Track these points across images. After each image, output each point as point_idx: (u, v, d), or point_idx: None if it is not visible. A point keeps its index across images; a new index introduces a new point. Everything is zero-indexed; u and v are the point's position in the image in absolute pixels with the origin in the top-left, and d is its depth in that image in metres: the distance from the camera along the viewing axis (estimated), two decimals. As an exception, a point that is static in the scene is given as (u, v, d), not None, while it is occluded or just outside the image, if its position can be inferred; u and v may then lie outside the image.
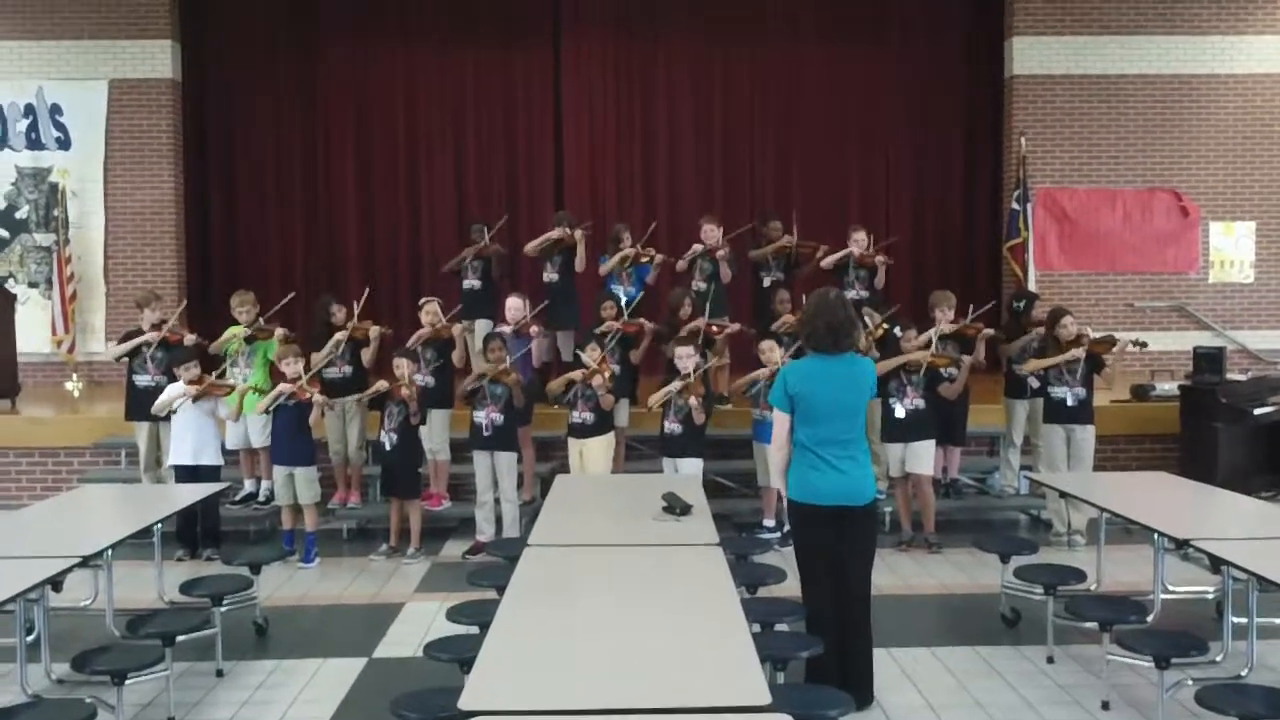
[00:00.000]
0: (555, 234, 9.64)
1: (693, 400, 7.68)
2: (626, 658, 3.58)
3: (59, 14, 12.16)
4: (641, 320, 8.90)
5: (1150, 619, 5.62)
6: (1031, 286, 11.36)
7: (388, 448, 8.03)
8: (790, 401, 5.08)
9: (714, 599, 4.16)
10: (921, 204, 13.00)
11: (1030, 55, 12.23)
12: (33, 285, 12.28)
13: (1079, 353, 8.03)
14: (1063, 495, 7.48)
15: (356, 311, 8.71)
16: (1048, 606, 5.85)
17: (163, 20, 12.22)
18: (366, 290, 8.93)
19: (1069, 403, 8.12)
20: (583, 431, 7.97)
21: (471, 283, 9.81)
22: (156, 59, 12.23)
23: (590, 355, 7.99)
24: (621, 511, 5.81)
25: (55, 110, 12.26)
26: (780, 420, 5.18)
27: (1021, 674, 5.70)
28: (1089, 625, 5.37)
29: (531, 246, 9.81)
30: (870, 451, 5.33)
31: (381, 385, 8.00)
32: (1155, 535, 5.71)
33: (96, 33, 12.18)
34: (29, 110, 12.26)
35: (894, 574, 7.54)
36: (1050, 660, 5.84)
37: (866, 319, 8.63)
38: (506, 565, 5.37)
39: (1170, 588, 6.34)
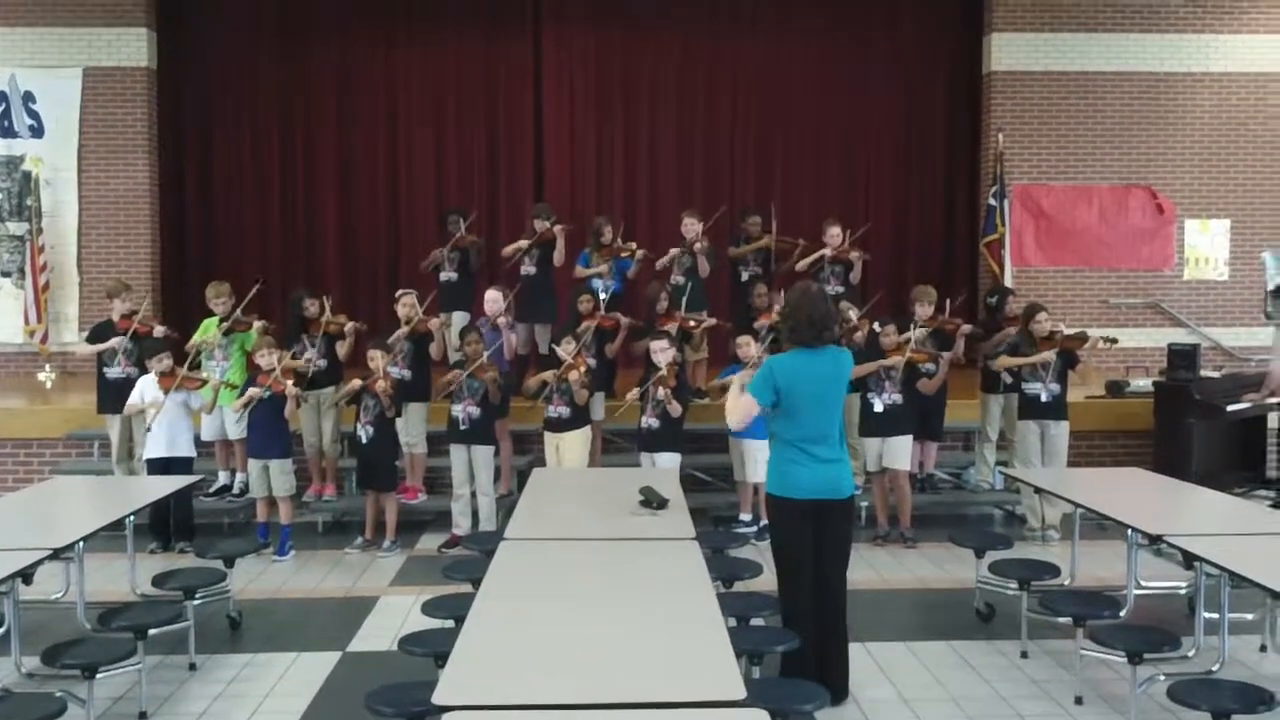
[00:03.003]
0: (525, 242, 9.58)
1: (662, 392, 7.67)
2: (602, 652, 3.58)
3: (33, 1, 12.02)
4: (617, 315, 8.89)
5: (1123, 614, 5.65)
6: (1008, 282, 11.40)
7: (364, 440, 8.00)
8: (775, 396, 5.05)
9: (690, 593, 4.16)
10: (901, 199, 13.04)
11: (1008, 51, 12.27)
12: (5, 275, 12.15)
13: (1049, 355, 8.08)
14: (1037, 491, 7.50)
15: (328, 305, 8.64)
16: (1022, 601, 5.88)
17: (139, 8, 12.10)
18: (328, 298, 8.80)
19: (1043, 399, 8.16)
20: (559, 426, 7.96)
21: (449, 275, 9.77)
22: (132, 47, 12.11)
23: (566, 350, 7.97)
24: (598, 505, 5.81)
25: (29, 98, 12.12)
26: (750, 407, 5.15)
27: (996, 668, 5.73)
28: (1063, 620, 5.40)
29: (507, 251, 9.75)
30: (848, 446, 5.33)
31: (355, 384, 7.97)
32: (1129, 531, 5.74)
33: (71, 20, 12.05)
34: (1, 98, 12.13)
35: (870, 568, 7.56)
36: (1024, 655, 5.87)
37: (850, 315, 8.64)
38: (482, 559, 5.37)
39: (1143, 583, 6.38)
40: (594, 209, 12.06)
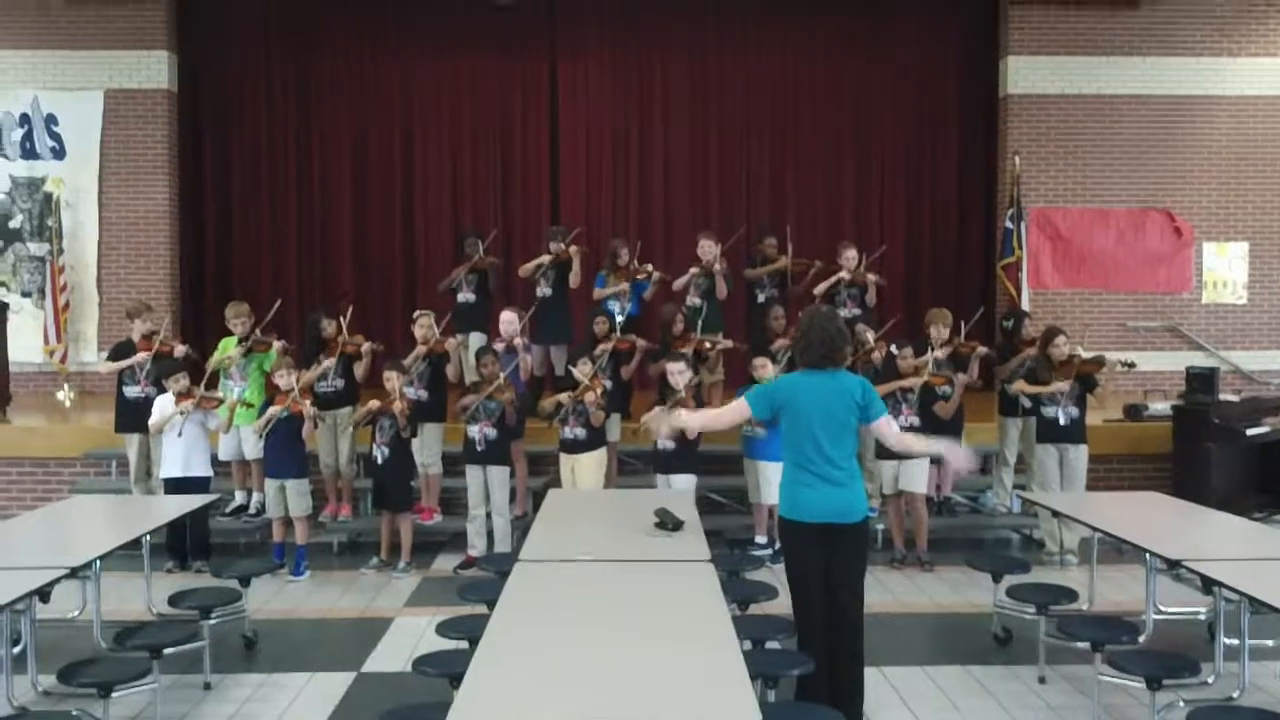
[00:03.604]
0: (547, 258, 9.62)
1: (683, 414, 7.64)
2: (617, 674, 3.56)
3: (56, 24, 12.16)
4: (633, 337, 8.90)
5: (1142, 639, 5.62)
6: (1025, 305, 11.38)
7: (380, 461, 8.01)
8: (772, 411, 5.11)
9: (705, 616, 4.14)
10: (916, 221, 13.04)
11: (1024, 75, 12.28)
12: (25, 295, 12.24)
13: (1063, 386, 8.05)
14: (1055, 514, 7.46)
15: (345, 325, 8.67)
16: (1039, 626, 5.84)
17: (159, 31, 12.23)
18: (345, 319, 8.81)
19: (1061, 422, 8.12)
20: (575, 447, 7.96)
21: (466, 296, 9.79)
22: (152, 70, 12.23)
23: (582, 371, 7.98)
24: (613, 527, 5.79)
25: (50, 120, 12.25)
26: (740, 411, 5.25)
27: (1013, 694, 5.68)
28: (1081, 645, 5.33)
29: (526, 269, 9.79)
30: (863, 469, 5.31)
31: (373, 405, 7.99)
32: (1147, 555, 5.70)
33: (93, 43, 12.18)
34: (24, 119, 12.25)
35: (886, 592, 7.52)
36: (1042, 680, 5.82)
37: (867, 337, 8.63)
38: (497, 580, 5.35)
39: (1162, 608, 6.34)
40: (609, 230, 12.09)
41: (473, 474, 8.06)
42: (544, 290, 9.66)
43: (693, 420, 5.85)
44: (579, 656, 3.73)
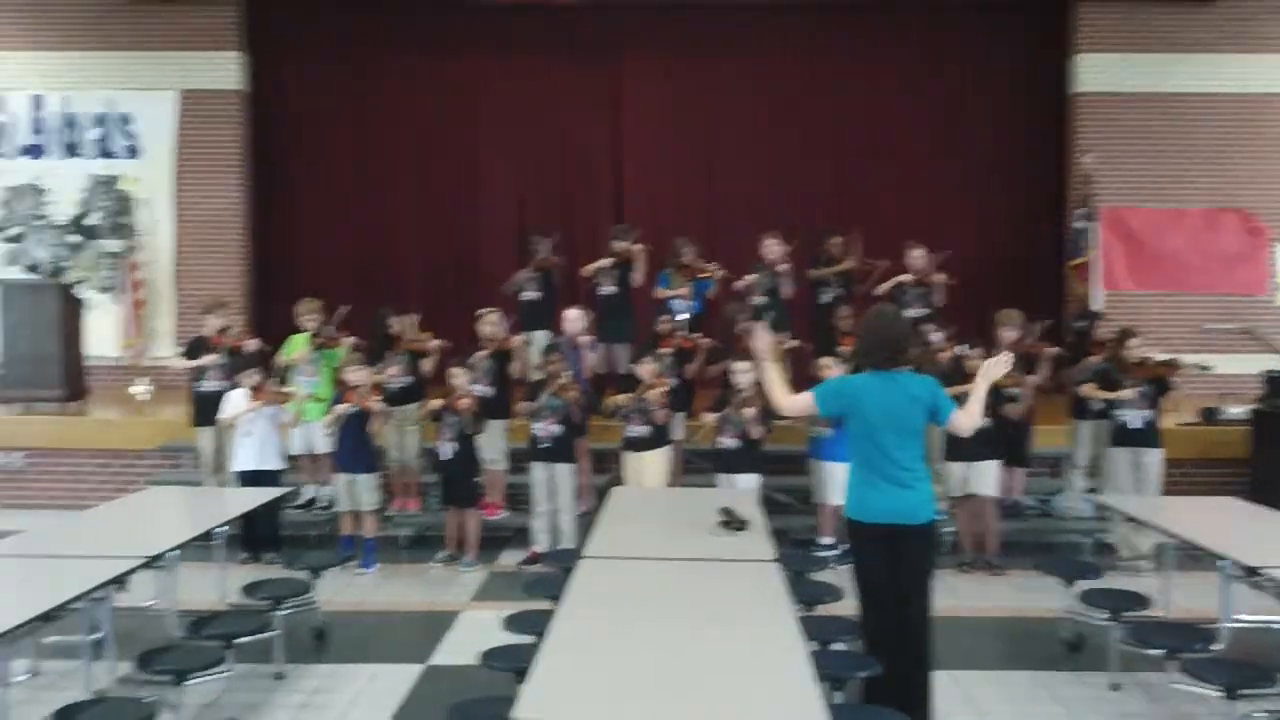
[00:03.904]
0: (607, 262, 9.62)
1: (748, 413, 7.64)
2: (682, 672, 3.56)
3: (131, 26, 12.44)
4: (697, 335, 8.88)
5: (1217, 648, 5.49)
6: (1096, 306, 11.18)
7: (446, 457, 8.08)
8: (837, 409, 5.12)
9: (770, 616, 4.14)
10: (984, 221, 12.85)
11: (1095, 73, 12.09)
12: (103, 291, 12.53)
13: (1129, 394, 7.90)
14: (1129, 519, 7.34)
15: (412, 324, 8.74)
16: (1112, 632, 5.74)
17: (231, 32, 12.45)
18: (413, 317, 8.90)
19: (1135, 425, 7.98)
20: (639, 445, 7.97)
21: (531, 295, 9.84)
22: (225, 70, 12.46)
23: (646, 370, 7.98)
24: (677, 525, 5.79)
25: (126, 120, 12.53)
26: (805, 403, 5.18)
27: (1084, 701, 5.60)
28: (1154, 652, 5.27)
29: (587, 270, 9.81)
30: (932, 471, 5.26)
31: (434, 404, 8.06)
32: (1223, 562, 5.58)
33: (168, 44, 12.44)
34: (100, 119, 12.55)
35: (955, 596, 7.44)
36: (1114, 688, 5.73)
37: (934, 337, 8.55)
38: (562, 576, 5.37)
39: (1238, 616, 6.19)
40: (673, 230, 12.05)
41: (537, 471, 8.10)
42: (608, 289, 9.68)
43: (768, 378, 5.55)
44: (644, 654, 3.73)
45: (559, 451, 8.02)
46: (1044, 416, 8.93)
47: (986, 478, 7.96)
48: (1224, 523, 6.31)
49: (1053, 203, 12.76)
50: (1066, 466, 9.12)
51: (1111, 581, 6.79)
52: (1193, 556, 6.88)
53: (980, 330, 8.77)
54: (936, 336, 8.62)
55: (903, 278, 9.57)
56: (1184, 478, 9.28)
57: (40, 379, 10.37)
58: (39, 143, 12.57)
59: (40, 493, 10.00)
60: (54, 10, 12.45)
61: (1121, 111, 12.09)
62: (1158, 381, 7.97)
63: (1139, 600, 5.83)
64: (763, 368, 5.45)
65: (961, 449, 7.93)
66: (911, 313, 9.06)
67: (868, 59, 12.85)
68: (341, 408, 7.99)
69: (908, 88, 12.84)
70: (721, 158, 13.00)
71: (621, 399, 8.04)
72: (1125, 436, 8.04)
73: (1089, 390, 8.25)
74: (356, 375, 8.05)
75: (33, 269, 12.50)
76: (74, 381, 10.58)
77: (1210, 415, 9.70)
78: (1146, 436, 8.01)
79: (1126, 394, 7.93)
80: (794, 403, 5.30)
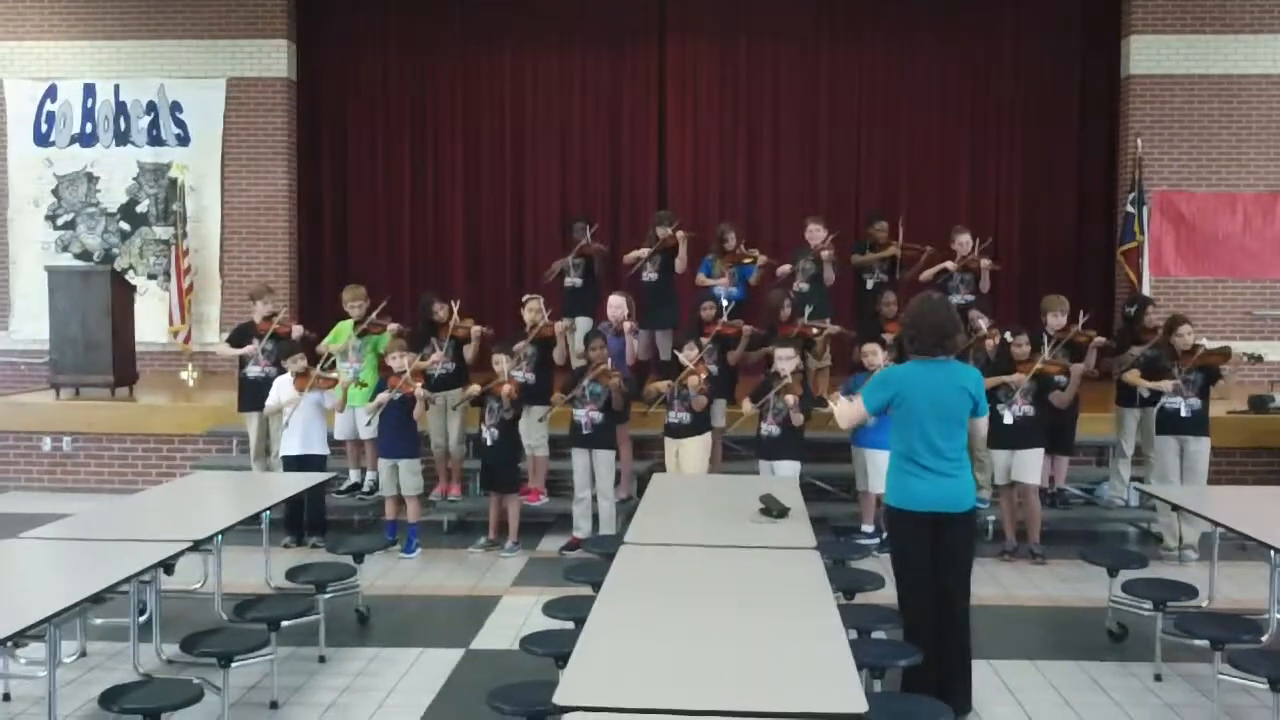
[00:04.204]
0: (646, 251, 9.59)
1: (789, 399, 7.61)
2: (721, 659, 3.56)
3: (180, 14, 12.56)
4: (740, 322, 8.84)
5: (1265, 639, 5.41)
6: (1146, 292, 11.03)
7: (488, 443, 8.11)
8: (885, 404, 5.06)
9: (811, 603, 4.13)
10: (1031, 206, 12.72)
11: (1148, 54, 11.87)
12: (151, 277, 12.71)
13: (1167, 385, 7.78)
14: (1175, 508, 7.22)
15: (456, 309, 8.79)
16: (1156, 622, 5.68)
17: (279, 20, 12.54)
18: (456, 303, 8.93)
19: (1182, 414, 7.85)
20: (679, 431, 7.96)
21: (573, 281, 9.85)
22: (273, 58, 12.56)
23: (688, 355, 7.97)
24: (718, 512, 5.78)
25: (175, 107, 12.67)
26: (857, 410, 5.22)
27: (1128, 691, 5.54)
28: (1199, 643, 5.19)
29: (629, 258, 9.79)
30: (975, 459, 5.22)
31: (473, 389, 8.10)
32: (1272, 552, 5.50)
33: (216, 32, 12.55)
34: (151, 107, 12.70)
35: (996, 584, 7.39)
36: (1158, 678, 5.67)
37: (981, 324, 8.46)
38: (602, 562, 5.40)
39: (1287, 608, 6.10)
40: (717, 216, 12.04)
41: (578, 457, 8.12)
42: (650, 275, 9.66)
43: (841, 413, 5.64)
44: (684, 640, 3.74)
45: (599, 438, 8.03)
46: (1090, 404, 8.83)
47: (1030, 465, 7.87)
48: (1273, 512, 6.18)
49: (1104, 187, 12.57)
50: (1112, 455, 9.00)
51: (1156, 571, 6.69)
52: (1240, 546, 6.83)
53: (1027, 317, 8.69)
54: (981, 323, 8.53)
55: (946, 264, 9.48)
56: (1232, 466, 9.17)
57: (90, 364, 10.53)
58: (91, 131, 12.73)
59: (89, 477, 10.18)
60: (106, 0, 12.59)
61: (1174, 94, 11.86)
62: (1207, 370, 7.84)
63: (1185, 590, 5.75)
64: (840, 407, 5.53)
65: (1006, 436, 7.88)
66: (957, 299, 9.00)
67: (915, 43, 12.70)
68: (383, 395, 8.04)
69: (957, 71, 12.70)
70: (766, 143, 12.93)
71: (661, 385, 8.03)
72: (1172, 424, 7.91)
73: (1131, 377, 8.13)
74: (399, 361, 8.10)
75: (83, 256, 12.68)
76: (123, 367, 10.73)
77: (1259, 403, 9.54)
78: (1194, 424, 7.87)
79: (1165, 385, 7.80)
80: (849, 413, 5.38)
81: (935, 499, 4.94)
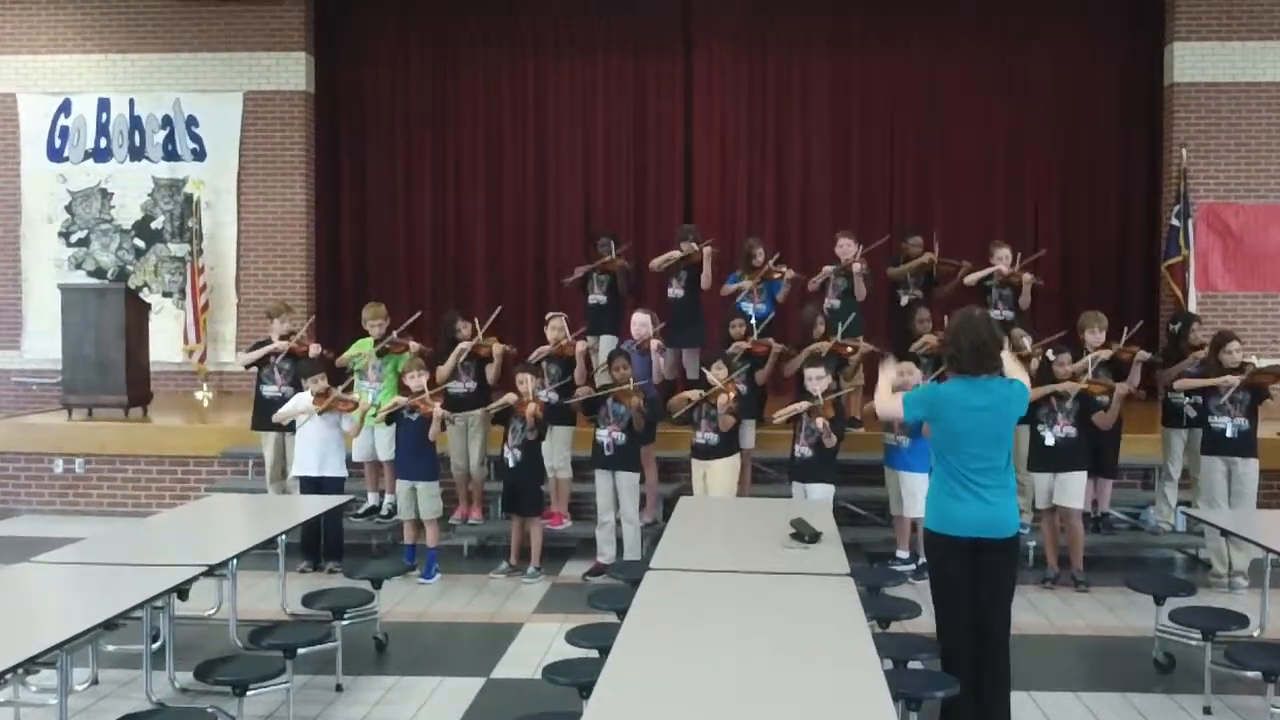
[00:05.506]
0: (678, 253, 9.43)
1: (820, 422, 7.39)
2: (751, 690, 3.46)
3: (196, 27, 12.50)
4: (769, 340, 8.64)
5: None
6: (1192, 308, 10.76)
7: (511, 464, 7.95)
8: (924, 416, 5.03)
9: (844, 632, 4.02)
10: (1072, 220, 12.44)
11: (1192, 62, 11.61)
12: (166, 295, 12.59)
13: (1232, 380, 7.51)
14: (1223, 533, 7.02)
15: (480, 329, 8.64)
16: (1205, 653, 5.52)
17: (297, 33, 12.47)
18: (498, 309, 8.83)
19: (1229, 434, 7.59)
20: (706, 453, 7.75)
21: (597, 298, 9.68)
22: (290, 72, 12.47)
23: (716, 374, 7.76)
24: (747, 537, 5.67)
25: (191, 122, 12.59)
26: (894, 408, 5.12)
27: (1177, 725, 5.32)
28: (1251, 674, 5.07)
29: (657, 262, 9.64)
30: (1016, 482, 5.03)
31: (510, 397, 7.93)
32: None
33: (232, 45, 12.48)
34: (166, 122, 12.62)
35: (1038, 613, 7.18)
36: (1207, 711, 5.49)
37: (1024, 342, 8.21)
38: (627, 588, 5.28)
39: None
40: (744, 231, 11.84)
41: (602, 479, 7.94)
42: (675, 291, 9.48)
43: (884, 379, 5.48)
44: (712, 670, 3.64)
45: (622, 460, 7.84)
46: (1135, 425, 8.59)
47: (1073, 489, 7.64)
48: (1329, 538, 5.96)
49: (1147, 200, 12.32)
50: (1157, 477, 8.75)
51: (1205, 599, 6.62)
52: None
53: (1065, 334, 8.45)
54: (1025, 341, 8.28)
55: (995, 269, 9.23)
56: (1282, 489, 8.88)
57: (103, 384, 10.37)
58: (105, 146, 12.66)
59: (102, 499, 10.06)
60: (120, 13, 12.55)
61: (1220, 102, 11.59)
62: (1255, 389, 7.58)
63: (1235, 619, 5.61)
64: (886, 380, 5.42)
65: (1047, 459, 7.65)
66: (996, 314, 8.75)
67: (953, 47, 12.46)
68: (397, 399, 7.91)
69: (994, 81, 12.45)
70: (795, 154, 12.72)
71: (691, 394, 7.84)
72: (1218, 445, 7.65)
73: (1185, 383, 7.86)
74: (417, 381, 7.96)
75: (96, 273, 12.59)
76: (137, 387, 10.59)
77: (1309, 423, 9.24)
78: (1241, 445, 7.61)
79: (1227, 379, 7.52)
80: (886, 406, 5.25)
81: (977, 524, 4.78)
